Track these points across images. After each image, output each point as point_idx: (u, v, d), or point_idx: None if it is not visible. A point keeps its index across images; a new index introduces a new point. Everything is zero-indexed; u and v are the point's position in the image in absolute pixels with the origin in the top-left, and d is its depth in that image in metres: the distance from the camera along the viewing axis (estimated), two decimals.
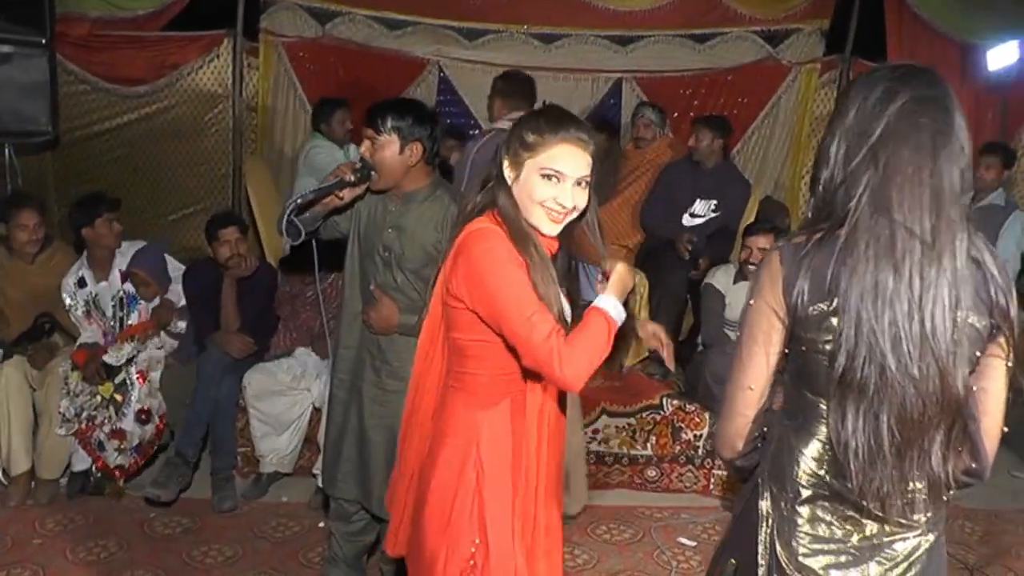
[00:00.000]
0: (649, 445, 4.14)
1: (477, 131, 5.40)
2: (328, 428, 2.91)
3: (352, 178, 2.55)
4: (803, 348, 1.42)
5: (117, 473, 3.82)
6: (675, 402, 4.17)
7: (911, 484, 1.40)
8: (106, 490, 3.84)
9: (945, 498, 1.43)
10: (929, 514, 1.45)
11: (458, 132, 5.48)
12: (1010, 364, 1.40)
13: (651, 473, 4.16)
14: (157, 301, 4.05)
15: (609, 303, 1.72)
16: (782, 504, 1.48)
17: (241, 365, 3.90)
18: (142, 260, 4.01)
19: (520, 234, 1.74)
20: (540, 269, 1.72)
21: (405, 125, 2.56)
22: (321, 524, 3.60)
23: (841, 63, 5.89)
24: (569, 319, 1.82)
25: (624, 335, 1.78)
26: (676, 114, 5.88)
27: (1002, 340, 1.38)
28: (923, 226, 1.31)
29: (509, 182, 1.79)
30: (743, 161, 6.00)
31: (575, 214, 1.79)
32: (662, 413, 4.15)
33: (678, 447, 4.15)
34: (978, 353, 1.38)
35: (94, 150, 5.51)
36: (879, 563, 1.45)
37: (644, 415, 4.15)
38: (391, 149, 2.56)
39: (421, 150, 2.59)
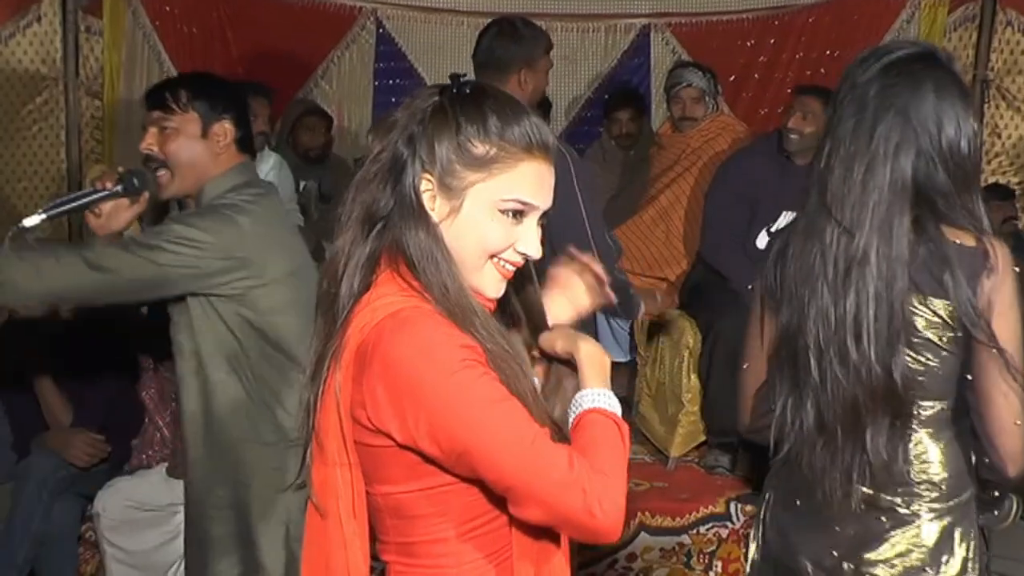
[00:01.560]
0: (713, 574, 4.13)
1: None
2: None
3: (114, 187, 2.56)
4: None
5: None
6: (748, 508, 4.07)
7: (850, 468, 1.91)
8: None
9: (962, 494, 1.94)
10: (931, 503, 1.93)
11: None
12: (994, 350, 1.82)
13: None
14: None
15: (602, 398, 1.66)
16: (778, 487, 2.09)
17: (85, 480, 3.85)
18: None
19: (461, 312, 1.61)
20: (499, 352, 1.62)
21: (206, 98, 2.70)
22: None
23: None
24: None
25: None
26: (733, 77, 5.80)
27: (982, 326, 1.84)
28: (852, 216, 1.88)
29: (436, 219, 1.62)
30: None
31: None
32: (730, 526, 4.12)
33: None
34: (944, 338, 1.88)
35: None
36: (870, 551, 1.96)
37: (703, 530, 4.10)
38: (190, 131, 2.67)
39: (232, 130, 2.72)
